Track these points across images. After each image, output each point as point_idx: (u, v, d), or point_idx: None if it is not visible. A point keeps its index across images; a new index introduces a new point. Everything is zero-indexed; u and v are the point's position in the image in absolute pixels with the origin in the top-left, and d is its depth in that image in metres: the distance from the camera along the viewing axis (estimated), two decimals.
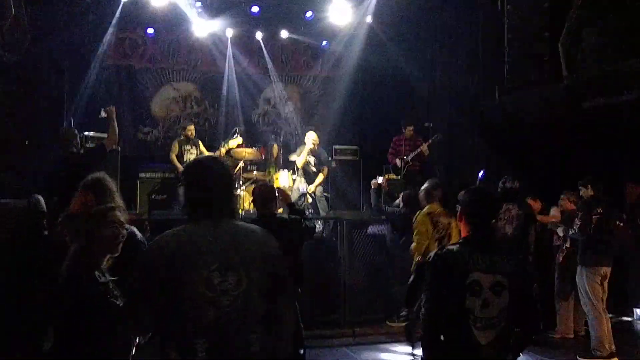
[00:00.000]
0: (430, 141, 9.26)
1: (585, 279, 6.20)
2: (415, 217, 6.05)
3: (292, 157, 9.61)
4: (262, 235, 2.46)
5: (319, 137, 9.48)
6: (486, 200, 2.98)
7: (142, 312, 2.31)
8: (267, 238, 2.46)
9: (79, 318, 2.53)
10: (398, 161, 9.43)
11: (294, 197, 9.15)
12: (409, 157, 9.31)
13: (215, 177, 2.44)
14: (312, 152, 9.31)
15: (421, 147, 9.25)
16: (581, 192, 6.57)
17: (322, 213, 9.29)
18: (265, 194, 4.92)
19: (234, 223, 2.43)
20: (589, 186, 6.37)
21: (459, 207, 2.94)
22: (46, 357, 2.76)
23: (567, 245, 6.90)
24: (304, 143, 9.42)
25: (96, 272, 2.70)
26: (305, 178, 9.38)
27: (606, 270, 6.22)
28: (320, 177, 9.44)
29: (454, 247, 2.79)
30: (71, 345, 2.58)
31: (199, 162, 2.69)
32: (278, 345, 2.34)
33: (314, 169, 9.34)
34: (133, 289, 2.34)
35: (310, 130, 9.71)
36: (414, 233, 5.92)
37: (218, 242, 2.28)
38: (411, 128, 9.47)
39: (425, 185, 6.25)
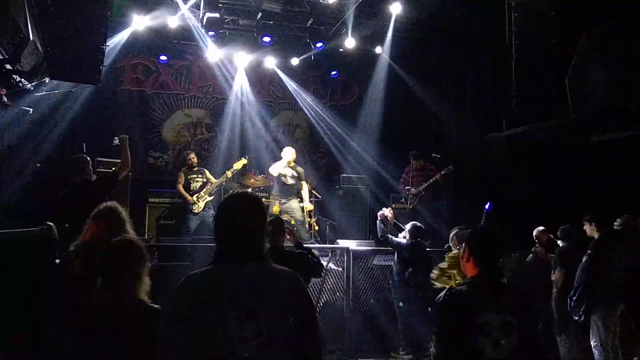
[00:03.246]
0: (444, 172, 9.33)
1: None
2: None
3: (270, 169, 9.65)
4: (289, 278, 2.34)
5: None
6: (493, 240, 3.00)
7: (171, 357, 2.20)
8: (294, 281, 2.34)
9: None
10: (413, 190, 9.46)
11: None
12: (422, 188, 9.37)
13: (244, 216, 2.34)
14: (289, 166, 9.32)
15: (436, 177, 9.33)
16: (584, 227, 6.54)
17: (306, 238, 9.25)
18: (275, 227, 4.91)
19: (260, 266, 2.31)
20: (592, 223, 6.33)
21: (464, 247, 2.97)
22: None
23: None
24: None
25: None
26: (281, 191, 9.36)
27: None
28: (305, 191, 9.46)
29: (463, 288, 2.81)
30: None
31: (233, 198, 2.50)
32: None
33: (291, 181, 9.33)
34: (162, 336, 2.25)
35: (288, 146, 9.76)
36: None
37: (240, 288, 2.20)
38: (420, 160, 9.56)
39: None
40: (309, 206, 9.44)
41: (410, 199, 9.49)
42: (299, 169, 9.51)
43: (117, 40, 10.17)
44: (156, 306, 2.91)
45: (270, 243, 4.85)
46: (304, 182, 9.49)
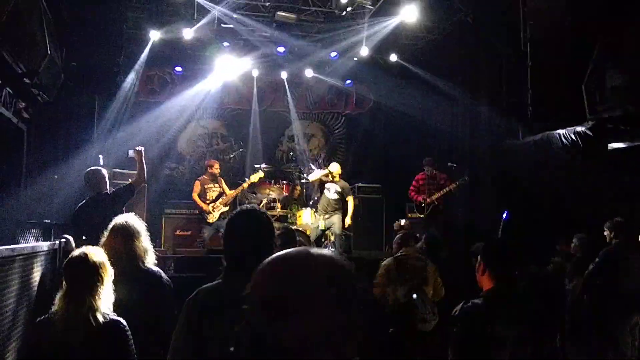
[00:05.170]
0: (458, 183, 9.27)
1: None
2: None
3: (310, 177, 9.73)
4: None
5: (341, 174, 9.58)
6: (508, 252, 2.98)
7: None
8: None
9: None
10: (422, 199, 9.41)
11: (314, 235, 9.19)
12: (434, 197, 9.32)
13: (252, 231, 2.43)
14: (334, 180, 9.33)
15: (450, 187, 9.27)
16: (605, 233, 6.47)
17: (340, 251, 9.29)
18: (287, 239, 4.93)
19: None
20: (611, 230, 6.27)
21: (479, 260, 2.94)
22: None
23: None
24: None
25: None
26: (322, 209, 9.38)
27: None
28: (350, 207, 9.44)
29: (479, 301, 2.79)
30: None
31: (240, 214, 2.59)
32: None
33: (335, 195, 9.33)
34: (173, 347, 2.34)
35: (335, 162, 9.81)
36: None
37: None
38: (432, 168, 9.50)
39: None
40: (347, 222, 9.42)
41: (424, 208, 9.42)
42: (343, 184, 9.54)
43: (136, 54, 10.30)
44: (117, 318, 2.90)
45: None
46: (349, 198, 9.49)
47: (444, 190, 9.30)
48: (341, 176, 9.60)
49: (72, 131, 9.61)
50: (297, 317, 1.11)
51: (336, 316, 1.13)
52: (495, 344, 2.66)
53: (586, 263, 6.45)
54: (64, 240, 4.56)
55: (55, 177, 8.95)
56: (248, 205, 2.60)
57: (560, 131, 8.29)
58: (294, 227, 9.49)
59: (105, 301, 2.91)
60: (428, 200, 9.39)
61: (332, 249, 8.98)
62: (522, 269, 6.34)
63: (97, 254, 3.04)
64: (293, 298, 1.12)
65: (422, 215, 9.46)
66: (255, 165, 10.43)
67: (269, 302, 1.13)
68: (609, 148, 7.75)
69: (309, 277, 1.15)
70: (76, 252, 3.03)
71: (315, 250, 1.21)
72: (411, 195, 9.68)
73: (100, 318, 2.83)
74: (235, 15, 10.22)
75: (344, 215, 9.37)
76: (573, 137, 8.10)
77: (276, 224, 9.43)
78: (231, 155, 12.04)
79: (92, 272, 2.93)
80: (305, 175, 10.57)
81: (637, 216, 7.25)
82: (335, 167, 9.46)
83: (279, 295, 1.13)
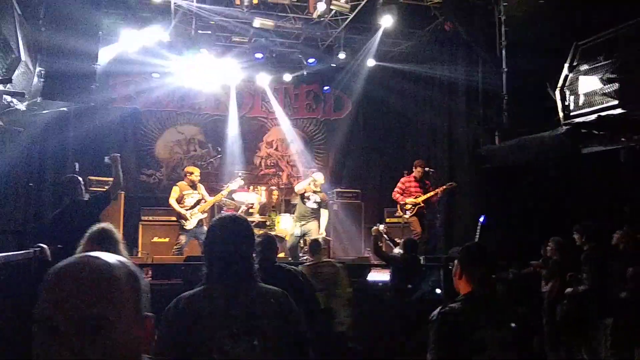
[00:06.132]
0: (445, 187, 9.32)
1: None
2: None
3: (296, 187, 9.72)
4: (281, 298, 2.39)
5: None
6: (485, 256, 3.00)
7: None
8: (286, 302, 2.39)
9: None
10: (410, 200, 9.41)
11: (291, 241, 9.18)
12: (421, 199, 9.35)
13: (232, 238, 2.41)
14: (315, 191, 9.33)
15: (438, 190, 9.31)
16: (575, 237, 6.55)
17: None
18: (268, 243, 4.91)
19: (250, 285, 2.37)
20: (581, 234, 6.33)
21: (456, 264, 2.96)
22: None
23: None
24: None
25: None
26: (299, 216, 9.37)
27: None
28: (324, 218, 9.44)
29: (456, 305, 2.79)
30: None
31: (221, 220, 2.57)
32: None
33: (314, 205, 9.32)
34: (155, 357, 2.32)
35: (317, 171, 9.78)
36: None
37: (232, 308, 2.25)
38: (420, 170, 9.51)
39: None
40: (322, 233, 9.40)
41: (408, 210, 9.43)
42: (323, 195, 9.52)
43: (108, 58, 10.16)
44: None
45: (262, 260, 4.85)
46: (325, 211, 9.47)
47: (431, 194, 9.32)
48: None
49: (48, 138, 9.49)
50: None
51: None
52: (474, 347, 2.66)
53: (561, 266, 6.52)
54: (38, 249, 4.49)
55: (30, 184, 8.84)
56: (228, 212, 2.58)
57: (535, 136, 8.40)
58: (273, 233, 9.48)
59: None
60: (417, 200, 9.40)
61: (306, 257, 8.98)
62: (499, 273, 6.44)
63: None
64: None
65: (406, 216, 9.44)
66: (234, 172, 10.39)
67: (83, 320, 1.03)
68: (583, 152, 7.86)
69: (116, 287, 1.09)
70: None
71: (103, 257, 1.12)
72: (395, 197, 9.63)
73: None
74: (212, 22, 10.20)
75: (320, 224, 9.39)
76: (548, 141, 8.20)
77: (255, 230, 9.45)
78: (209, 161, 11.99)
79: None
80: (282, 180, 10.56)
81: (614, 218, 7.37)
82: (320, 177, 9.43)
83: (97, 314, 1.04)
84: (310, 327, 4.70)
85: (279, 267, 4.86)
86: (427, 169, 9.51)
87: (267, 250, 4.82)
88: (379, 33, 10.30)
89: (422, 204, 9.38)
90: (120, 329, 1.06)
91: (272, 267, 4.74)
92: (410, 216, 9.37)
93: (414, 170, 9.57)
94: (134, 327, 1.10)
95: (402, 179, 9.66)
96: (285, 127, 13.00)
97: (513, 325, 2.75)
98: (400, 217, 9.70)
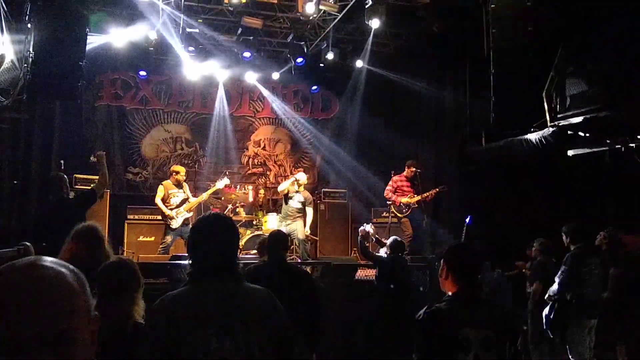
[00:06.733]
0: (438, 189, 9.36)
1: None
2: None
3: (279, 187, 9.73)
4: (266, 297, 2.40)
5: (308, 179, 9.58)
6: (470, 256, 3.02)
7: None
8: (271, 301, 2.40)
9: None
10: (404, 200, 9.43)
11: None
12: (415, 200, 9.37)
13: (217, 237, 2.41)
14: (299, 190, 9.34)
15: (433, 191, 9.35)
16: (563, 238, 6.58)
17: (305, 256, 9.30)
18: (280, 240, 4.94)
19: (236, 285, 2.37)
20: (567, 236, 6.35)
21: (442, 264, 2.97)
22: None
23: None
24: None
25: None
26: (284, 216, 9.38)
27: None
28: (309, 217, 9.44)
29: (442, 305, 2.81)
30: None
31: (206, 219, 2.58)
32: None
33: (298, 205, 9.33)
34: (141, 356, 2.32)
35: (301, 170, 9.79)
36: None
37: (217, 306, 2.25)
38: (413, 170, 9.53)
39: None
40: (307, 232, 9.42)
41: (402, 209, 9.44)
42: (307, 194, 9.54)
43: (94, 54, 10.08)
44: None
45: (271, 256, 4.81)
46: (309, 209, 9.49)
47: (425, 195, 9.33)
48: (307, 183, 9.61)
49: (33, 135, 9.42)
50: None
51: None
52: (460, 347, 2.68)
53: (546, 267, 6.56)
54: (22, 247, 4.44)
55: (15, 182, 8.77)
56: (213, 211, 2.58)
57: (522, 137, 8.45)
58: (260, 232, 9.48)
59: (140, 308, 2.93)
60: (412, 200, 9.42)
61: (293, 257, 9.01)
62: (485, 273, 6.47)
63: (131, 260, 3.11)
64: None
65: (401, 215, 9.45)
66: (221, 171, 10.35)
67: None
68: (569, 154, 7.92)
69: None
70: (112, 260, 3.10)
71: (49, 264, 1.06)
72: (388, 196, 9.63)
73: (135, 323, 2.85)
74: (200, 20, 10.16)
75: (305, 222, 9.41)
76: (534, 143, 8.26)
77: (241, 230, 9.46)
78: (196, 160, 11.94)
79: (132, 278, 2.97)
80: (270, 179, 10.54)
81: (599, 219, 7.43)
82: (303, 177, 9.45)
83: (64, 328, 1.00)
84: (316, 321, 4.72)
85: (289, 265, 4.90)
86: (419, 170, 9.53)
87: (275, 248, 4.84)
88: (370, 35, 10.30)
89: (417, 205, 9.42)
90: (80, 338, 1.02)
91: (281, 264, 4.75)
92: (404, 216, 9.41)
93: (406, 169, 9.60)
94: (89, 332, 1.06)
95: (394, 178, 9.68)
96: (272, 127, 13.01)
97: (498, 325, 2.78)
98: (386, 217, 9.74)
